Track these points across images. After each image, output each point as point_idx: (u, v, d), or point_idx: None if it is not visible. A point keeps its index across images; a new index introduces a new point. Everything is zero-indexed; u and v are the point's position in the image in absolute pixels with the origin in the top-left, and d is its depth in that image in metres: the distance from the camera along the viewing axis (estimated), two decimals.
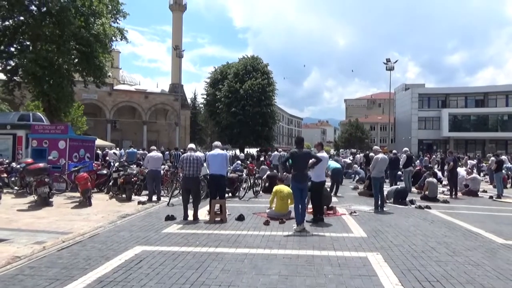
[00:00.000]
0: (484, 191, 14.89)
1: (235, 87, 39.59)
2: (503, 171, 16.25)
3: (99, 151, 21.74)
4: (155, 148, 12.27)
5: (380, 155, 10.38)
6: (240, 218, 8.23)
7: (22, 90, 21.45)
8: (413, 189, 14.46)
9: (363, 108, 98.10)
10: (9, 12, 18.17)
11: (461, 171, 15.22)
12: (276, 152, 23.03)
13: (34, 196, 10.06)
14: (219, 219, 8.06)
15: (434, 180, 12.97)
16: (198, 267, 4.89)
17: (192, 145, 9.05)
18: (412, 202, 11.07)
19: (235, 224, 7.85)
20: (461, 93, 53.80)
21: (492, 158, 15.96)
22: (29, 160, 11.88)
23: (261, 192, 13.06)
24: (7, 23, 19.24)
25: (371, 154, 14.95)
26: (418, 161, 25.71)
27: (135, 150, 22.99)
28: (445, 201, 12.05)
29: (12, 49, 20.03)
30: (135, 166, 13.70)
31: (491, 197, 13.61)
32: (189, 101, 60.59)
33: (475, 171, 20.33)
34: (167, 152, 23.90)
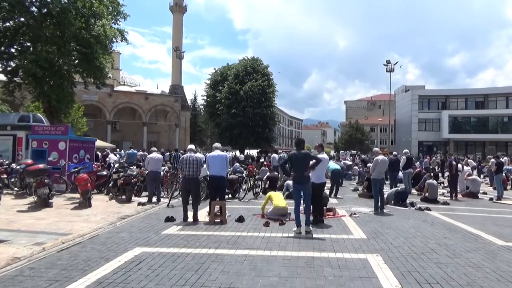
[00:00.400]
0: (484, 193, 14.89)
1: (235, 89, 39.56)
2: (503, 173, 16.24)
3: (98, 153, 21.71)
4: (155, 149, 12.27)
5: (380, 157, 10.39)
6: (240, 219, 8.24)
7: (23, 91, 21.41)
8: (413, 191, 14.48)
9: (363, 110, 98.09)
10: (9, 13, 18.17)
11: (465, 168, 15.34)
12: (275, 155, 22.89)
13: (34, 197, 10.05)
14: (219, 220, 8.05)
15: (434, 182, 12.97)
16: (198, 268, 4.88)
17: (192, 146, 9.06)
18: (412, 204, 11.07)
19: (235, 225, 7.85)
20: (461, 94, 53.78)
21: (492, 160, 15.96)
22: (29, 161, 11.82)
23: (261, 193, 13.06)
24: (7, 24, 19.25)
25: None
26: (418, 162, 25.73)
27: (135, 151, 22.97)
28: (445, 203, 12.06)
29: (13, 50, 20.03)
30: (135, 167, 13.69)
31: (491, 199, 13.62)
32: (189, 102, 60.66)
33: (475, 172, 20.33)
34: (167, 153, 23.87)
